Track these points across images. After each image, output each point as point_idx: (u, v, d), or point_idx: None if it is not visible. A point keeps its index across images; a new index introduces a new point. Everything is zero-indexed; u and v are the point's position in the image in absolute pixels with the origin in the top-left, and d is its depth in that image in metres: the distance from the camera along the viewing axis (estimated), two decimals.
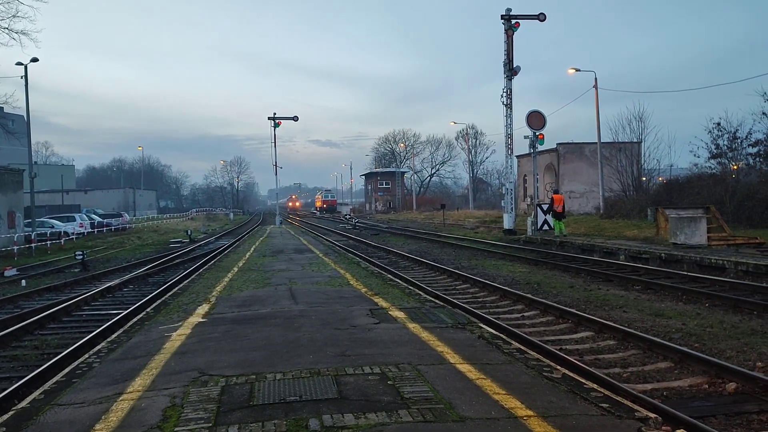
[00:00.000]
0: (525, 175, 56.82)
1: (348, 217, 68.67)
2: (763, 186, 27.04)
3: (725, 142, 32.85)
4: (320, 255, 21.46)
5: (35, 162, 45.74)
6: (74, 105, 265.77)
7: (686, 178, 35.71)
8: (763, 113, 30.10)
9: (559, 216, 27.31)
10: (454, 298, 12.75)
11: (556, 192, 29.97)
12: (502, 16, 32.16)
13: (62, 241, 34.40)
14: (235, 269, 17.08)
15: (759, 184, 27.94)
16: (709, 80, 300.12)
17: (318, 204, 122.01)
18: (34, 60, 34.00)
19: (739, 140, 32.43)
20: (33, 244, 30.98)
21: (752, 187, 28.17)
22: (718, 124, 32.66)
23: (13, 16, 30.09)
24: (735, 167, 32.92)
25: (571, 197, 46.65)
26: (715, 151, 33.21)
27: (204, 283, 14.36)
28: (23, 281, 19.00)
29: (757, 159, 32.11)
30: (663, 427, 4.65)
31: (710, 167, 33.76)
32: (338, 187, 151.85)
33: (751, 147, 32.05)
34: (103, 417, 4.88)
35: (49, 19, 70.19)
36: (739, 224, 25.62)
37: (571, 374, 6.15)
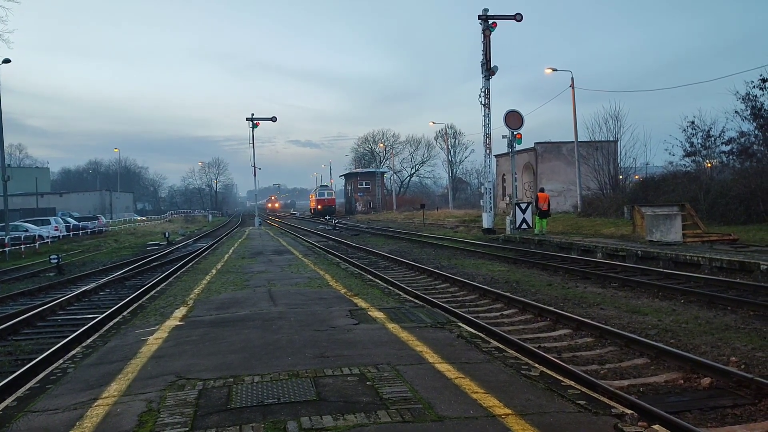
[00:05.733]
0: (504, 175, 57.15)
1: (328, 218, 68.53)
2: (737, 183, 27.48)
3: (699, 141, 33.42)
4: (299, 256, 21.38)
5: (9, 165, 44.94)
6: (49, 107, 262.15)
7: (662, 176, 36.23)
8: (736, 112, 30.66)
9: (543, 214, 27.61)
10: (433, 298, 12.77)
11: (541, 190, 30.39)
12: (479, 16, 32.33)
13: (37, 244, 33.87)
14: (214, 271, 16.94)
15: (732, 182, 28.39)
16: (684, 80, 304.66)
17: (312, 204, 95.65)
18: (7, 61, 33.36)
19: (712, 138, 33.01)
20: (7, 249, 30.42)
21: (726, 184, 28.61)
22: (692, 122, 33.21)
23: None
24: (709, 165, 33.46)
25: (550, 196, 47.07)
26: (689, 149, 33.76)
27: (182, 285, 14.21)
28: None
29: (731, 157, 32.70)
30: (639, 423, 4.68)
31: (685, 165, 34.36)
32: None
33: (724, 145, 32.66)
34: (77, 423, 4.81)
35: (22, 20, 69.15)
36: (713, 221, 26.02)
37: (549, 372, 6.19)
